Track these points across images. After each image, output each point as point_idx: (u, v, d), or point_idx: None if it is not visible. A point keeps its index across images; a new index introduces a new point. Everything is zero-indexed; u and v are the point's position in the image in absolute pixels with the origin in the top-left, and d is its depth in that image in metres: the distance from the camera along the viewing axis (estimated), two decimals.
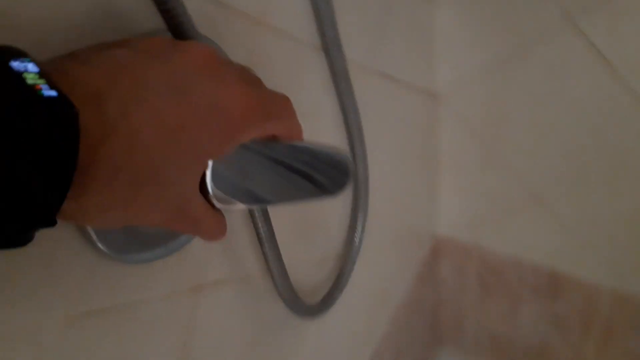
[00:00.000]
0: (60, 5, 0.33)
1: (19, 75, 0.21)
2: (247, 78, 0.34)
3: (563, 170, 0.76)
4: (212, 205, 0.36)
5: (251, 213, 0.50)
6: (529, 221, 0.82)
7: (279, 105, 0.35)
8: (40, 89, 0.21)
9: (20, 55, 0.22)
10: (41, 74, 0.22)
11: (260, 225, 0.50)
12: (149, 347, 0.46)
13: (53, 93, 0.22)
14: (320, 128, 0.61)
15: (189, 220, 0.32)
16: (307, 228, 0.65)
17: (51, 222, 0.23)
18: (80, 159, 0.23)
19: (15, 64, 0.21)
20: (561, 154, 0.75)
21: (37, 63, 0.22)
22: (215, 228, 0.36)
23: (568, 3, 0.66)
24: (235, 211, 0.49)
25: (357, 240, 0.70)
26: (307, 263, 0.65)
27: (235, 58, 0.46)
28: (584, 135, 0.72)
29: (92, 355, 0.41)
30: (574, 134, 0.73)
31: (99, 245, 0.39)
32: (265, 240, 0.51)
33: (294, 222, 0.62)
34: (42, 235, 0.36)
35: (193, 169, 0.30)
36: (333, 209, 0.68)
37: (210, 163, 0.35)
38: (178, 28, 0.36)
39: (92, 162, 0.24)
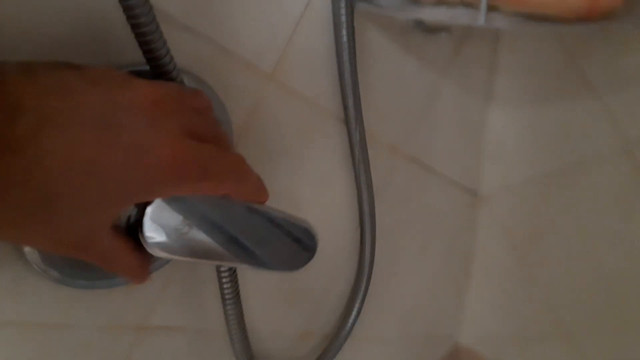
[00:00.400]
0: (43, 12, 0.34)
1: None
2: (194, 131, 0.32)
3: (597, 308, 0.68)
4: (138, 246, 0.34)
5: (217, 265, 0.47)
6: (554, 353, 0.74)
7: (225, 166, 0.33)
8: None
9: None
10: None
11: (224, 280, 0.47)
12: None
13: None
14: (329, 200, 0.59)
15: (95, 255, 0.31)
16: (295, 296, 0.61)
17: None
18: None
19: None
20: (598, 290, 0.68)
21: None
22: (131, 269, 0.34)
23: (628, 132, 0.60)
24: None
25: (349, 324, 0.65)
26: (285, 334, 0.61)
27: (235, 110, 0.45)
28: (626, 276, 0.65)
29: None
30: (616, 271, 0.66)
31: (29, 258, 0.38)
32: (227, 297, 0.48)
33: (281, 287, 0.59)
34: None
35: (102, 206, 0.28)
36: (333, 283, 0.65)
37: (152, 206, 0.33)
38: (154, 62, 0.35)
39: None
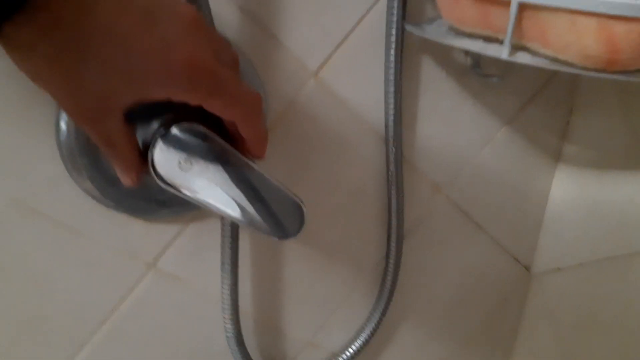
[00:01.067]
0: None
1: None
2: (221, 56, 0.35)
3: None
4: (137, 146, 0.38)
5: (222, 230, 0.51)
6: None
7: (240, 93, 0.36)
8: None
9: None
10: None
11: (225, 244, 0.51)
12: (67, 284, 0.50)
13: None
14: (357, 216, 0.61)
15: (102, 131, 0.34)
16: (311, 299, 0.63)
17: None
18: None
19: None
20: None
21: None
22: (128, 161, 0.37)
23: None
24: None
25: (352, 352, 0.65)
26: (290, 337, 0.63)
27: (274, 97, 0.50)
28: None
29: (17, 247, 0.47)
30: None
31: (67, 163, 0.46)
32: (225, 262, 0.52)
33: (298, 284, 0.61)
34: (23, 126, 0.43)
35: (122, 82, 0.32)
36: (350, 302, 0.66)
37: (165, 135, 0.38)
38: None
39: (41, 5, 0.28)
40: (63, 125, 0.44)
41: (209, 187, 0.40)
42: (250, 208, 0.42)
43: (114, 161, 0.37)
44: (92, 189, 0.47)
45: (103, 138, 0.35)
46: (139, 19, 0.31)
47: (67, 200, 0.47)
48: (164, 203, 0.50)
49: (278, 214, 0.42)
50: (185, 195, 0.40)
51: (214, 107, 0.36)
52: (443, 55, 0.55)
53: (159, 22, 0.32)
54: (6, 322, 0.48)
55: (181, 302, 0.55)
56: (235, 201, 0.41)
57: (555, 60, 0.42)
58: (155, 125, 0.40)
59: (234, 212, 0.41)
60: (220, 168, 0.40)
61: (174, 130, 0.38)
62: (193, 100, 0.34)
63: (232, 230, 0.51)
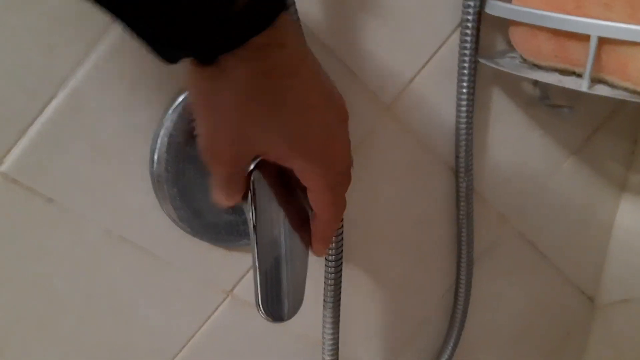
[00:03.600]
0: None
1: None
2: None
3: None
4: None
5: (325, 266, 0.52)
6: None
7: (343, 199, 0.38)
8: None
9: None
10: None
11: (328, 281, 0.52)
12: (150, 310, 0.51)
13: None
14: (426, 245, 0.62)
15: (232, 172, 0.35)
16: (381, 328, 0.64)
17: (207, 56, 0.29)
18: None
19: None
20: None
21: None
22: (237, 194, 0.37)
23: None
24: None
25: None
26: None
27: (349, 128, 0.51)
28: None
29: (105, 275, 0.49)
30: None
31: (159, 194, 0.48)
32: (327, 300, 0.53)
33: (370, 314, 0.62)
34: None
35: (282, 141, 0.33)
36: (421, 331, 0.66)
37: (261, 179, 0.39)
38: None
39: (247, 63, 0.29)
40: (156, 157, 0.47)
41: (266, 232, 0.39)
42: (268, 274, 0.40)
43: (224, 196, 0.37)
44: (178, 218, 0.49)
45: (228, 176, 0.35)
46: (323, 100, 0.34)
47: (154, 229, 0.49)
48: (244, 232, 0.52)
49: (277, 296, 0.40)
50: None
51: (317, 195, 0.37)
52: (512, 86, 0.56)
53: (332, 106, 0.35)
54: (93, 347, 0.50)
55: (256, 331, 0.56)
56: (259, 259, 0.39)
57: (634, 92, 0.43)
58: None
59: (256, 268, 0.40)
60: (283, 231, 0.40)
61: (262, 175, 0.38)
62: (308, 182, 0.36)
63: (336, 266, 0.51)
